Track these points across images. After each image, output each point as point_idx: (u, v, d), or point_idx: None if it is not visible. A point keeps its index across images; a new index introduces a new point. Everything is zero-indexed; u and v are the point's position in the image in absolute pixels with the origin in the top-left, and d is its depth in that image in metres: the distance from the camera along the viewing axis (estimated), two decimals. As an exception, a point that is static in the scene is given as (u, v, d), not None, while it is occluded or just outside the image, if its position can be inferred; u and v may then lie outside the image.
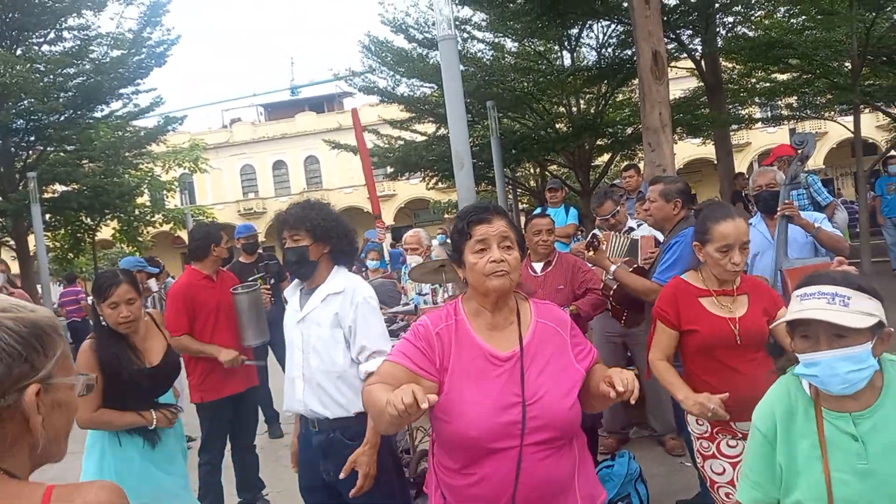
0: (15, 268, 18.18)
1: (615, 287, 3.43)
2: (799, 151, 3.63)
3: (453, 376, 1.72)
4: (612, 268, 3.35)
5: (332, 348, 2.44)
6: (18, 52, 15.48)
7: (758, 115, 16.57)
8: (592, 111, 14.69)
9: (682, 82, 17.26)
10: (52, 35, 16.12)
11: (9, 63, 13.76)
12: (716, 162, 14.17)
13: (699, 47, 12.45)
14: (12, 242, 16.57)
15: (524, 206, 23.49)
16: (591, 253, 3.40)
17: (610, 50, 13.40)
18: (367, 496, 2.36)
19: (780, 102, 15.15)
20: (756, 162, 27.72)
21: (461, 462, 1.72)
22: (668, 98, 6.81)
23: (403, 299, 5.51)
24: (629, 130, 14.87)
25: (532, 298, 1.94)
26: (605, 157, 16.48)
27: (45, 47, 16.25)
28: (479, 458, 1.69)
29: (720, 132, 12.79)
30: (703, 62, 12.24)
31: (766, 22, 12.32)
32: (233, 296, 4.07)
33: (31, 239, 15.84)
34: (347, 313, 2.43)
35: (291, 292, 2.65)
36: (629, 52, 12.74)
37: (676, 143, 14.84)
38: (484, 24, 14.16)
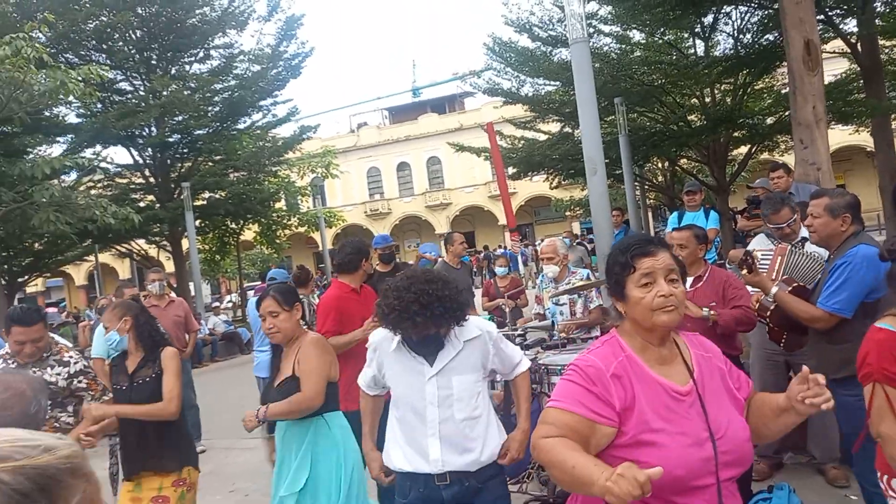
0: (169, 267, 20.00)
1: (772, 308, 3.17)
2: None
3: (642, 415, 1.65)
4: (774, 289, 3.09)
5: (473, 395, 2.43)
6: (173, 71, 16.97)
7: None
8: (729, 102, 13.82)
9: (831, 63, 15.83)
10: (201, 54, 17.58)
11: (164, 85, 15.11)
12: (870, 150, 12.87)
13: (854, 28, 11.34)
14: (169, 246, 18.20)
15: (651, 202, 22.56)
16: (745, 272, 3.16)
17: (749, 36, 12.53)
18: None
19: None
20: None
21: (661, 500, 1.63)
22: (822, 90, 6.23)
23: (536, 308, 5.44)
24: (770, 121, 13.85)
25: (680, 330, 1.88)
26: (743, 149, 15.47)
27: (195, 66, 17.72)
28: (679, 496, 1.64)
29: (879, 120, 11.58)
30: (858, 44, 11.13)
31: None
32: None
33: (184, 242, 17.34)
34: (489, 352, 2.50)
35: (390, 346, 2.49)
36: (771, 38, 11.84)
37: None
38: (610, 17, 13.71)
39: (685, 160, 17.48)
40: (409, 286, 2.35)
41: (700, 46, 14.19)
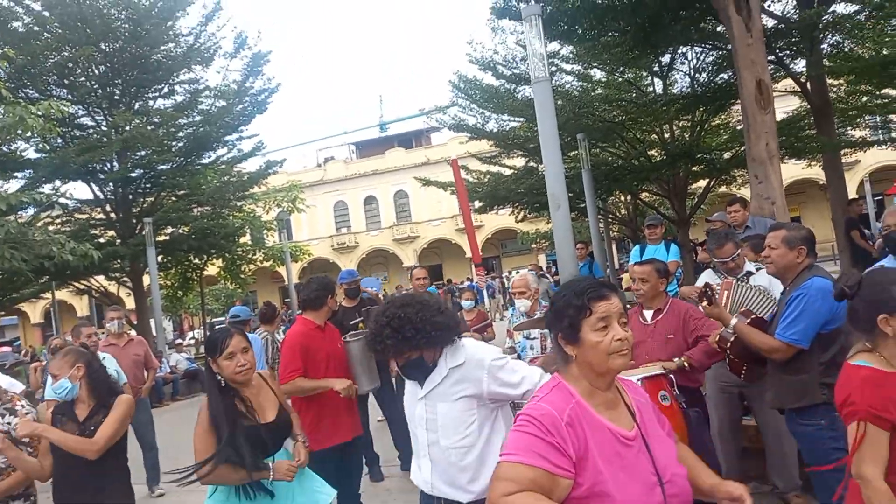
0: (130, 303, 19.54)
1: (732, 339, 3.24)
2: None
3: (595, 464, 1.61)
4: (733, 321, 3.17)
5: (462, 424, 2.35)
6: (136, 106, 16.82)
7: (871, 138, 15.53)
8: (688, 138, 14.26)
9: (784, 101, 16.49)
10: (165, 90, 17.46)
11: (127, 120, 14.95)
12: (823, 183, 13.34)
13: (803, 68, 11.85)
14: (129, 282, 17.79)
15: (615, 234, 22.96)
16: (705, 304, 3.24)
17: (705, 75, 13.00)
18: None
19: (894, 122, 14.14)
20: (867, 181, 25.89)
21: None
22: (774, 127, 6.48)
23: (508, 342, 5.45)
24: (727, 156, 14.31)
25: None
26: (702, 183, 15.91)
27: (160, 101, 17.58)
28: None
29: (830, 156, 12.04)
30: (808, 84, 11.63)
31: (877, 38, 11.56)
32: (346, 344, 4.18)
33: (145, 278, 16.98)
34: (481, 381, 2.35)
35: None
36: (725, 77, 12.30)
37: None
38: (572, 56, 14.10)
39: (647, 194, 17.89)
40: (384, 311, 2.40)
41: (658, 85, 14.65)
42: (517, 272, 12.78)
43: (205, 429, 2.82)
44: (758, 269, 4.29)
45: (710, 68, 12.71)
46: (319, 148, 47.65)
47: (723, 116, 14.81)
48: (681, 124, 14.70)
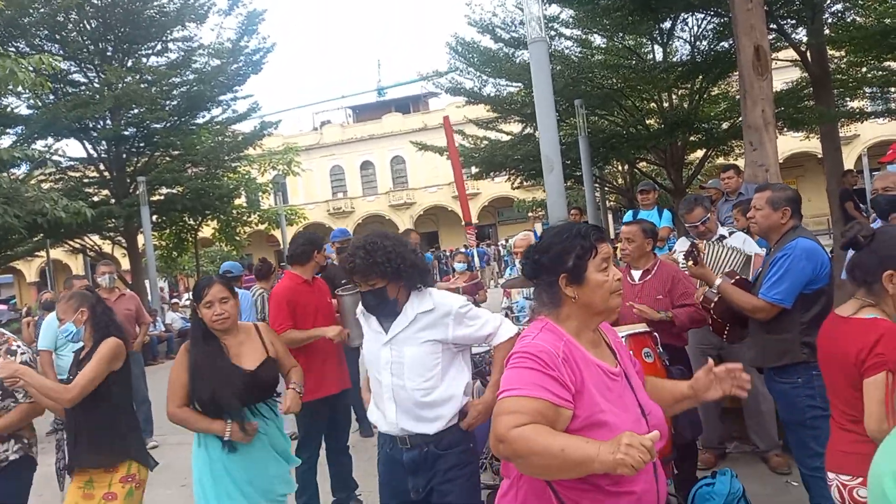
0: (125, 264, 19.54)
1: (716, 300, 3.28)
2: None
3: (591, 396, 1.66)
4: (718, 281, 3.20)
5: (427, 367, 2.44)
6: (129, 63, 16.58)
7: (869, 109, 15.45)
8: (686, 106, 14.15)
9: (784, 73, 16.32)
10: (158, 47, 17.20)
11: (120, 76, 14.75)
12: (821, 156, 13.32)
13: (804, 37, 11.72)
14: (124, 241, 17.77)
15: (612, 204, 22.94)
16: (691, 264, 3.27)
17: (705, 43, 12.85)
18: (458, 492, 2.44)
19: (893, 93, 14.05)
20: (865, 156, 25.80)
21: (612, 479, 1.62)
22: (771, 94, 6.43)
23: (505, 302, 5.54)
24: (725, 126, 14.22)
25: None
26: (699, 153, 15.85)
27: (153, 59, 17.33)
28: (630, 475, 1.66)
29: (827, 127, 12.00)
30: (808, 53, 11.52)
31: (880, 8, 11.42)
32: (339, 297, 4.21)
33: (140, 238, 16.96)
34: (447, 327, 2.45)
35: (364, 311, 2.63)
36: (726, 45, 12.16)
37: (777, 138, 14.10)
38: (571, 20, 13.90)
39: (644, 163, 17.82)
40: (366, 236, 2.52)
41: (659, 52, 14.49)
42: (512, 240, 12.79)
43: (180, 363, 3.00)
44: (730, 233, 4.36)
45: (710, 36, 12.56)
46: (316, 111, 47.15)
47: (722, 86, 14.69)
48: (680, 93, 14.58)
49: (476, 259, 8.05)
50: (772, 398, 3.63)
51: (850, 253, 2.34)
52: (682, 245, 4.81)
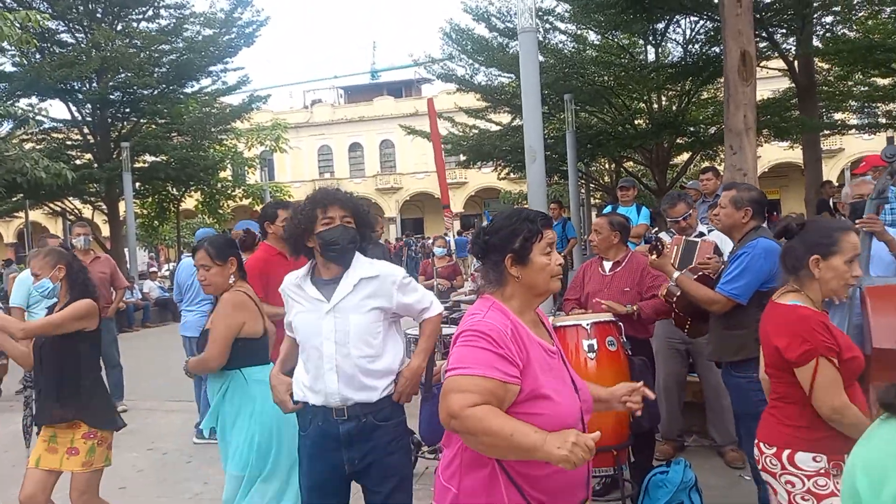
0: (105, 231, 19.35)
1: (678, 294, 3.36)
2: (891, 164, 3.46)
3: (535, 371, 1.75)
4: (675, 274, 3.28)
5: (371, 335, 2.45)
6: (119, 27, 16.36)
7: (853, 122, 15.68)
8: (674, 108, 14.28)
9: (772, 82, 16.52)
10: (150, 13, 16.95)
11: (109, 38, 14.55)
12: (803, 167, 13.53)
13: (793, 47, 11.87)
14: (105, 207, 17.61)
15: (597, 201, 23.11)
16: (654, 257, 3.35)
17: (697, 46, 12.96)
18: (396, 486, 2.46)
19: (878, 108, 14.28)
20: (847, 170, 26.20)
21: None
22: (754, 100, 6.53)
23: (470, 286, 5.57)
24: (712, 130, 14.38)
25: None
26: (685, 156, 16.02)
27: (144, 24, 17.09)
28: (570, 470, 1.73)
29: (810, 137, 12.18)
30: (795, 63, 11.67)
31: (869, 23, 11.58)
32: None
33: (121, 206, 16.81)
34: (392, 295, 2.48)
35: (296, 282, 2.55)
36: (717, 50, 12.29)
37: (762, 146, 14.32)
38: (567, 14, 13.94)
39: (630, 162, 17.96)
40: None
41: (651, 52, 14.59)
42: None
43: None
44: (710, 231, 4.43)
45: (702, 39, 12.67)
46: (307, 90, 46.81)
47: (711, 90, 14.84)
48: (669, 94, 14.71)
49: (453, 246, 8.09)
50: (729, 394, 3.73)
51: None
52: (665, 239, 4.91)
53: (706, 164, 17.67)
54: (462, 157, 17.65)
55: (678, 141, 14.52)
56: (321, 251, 2.48)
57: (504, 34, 14.44)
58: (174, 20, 17.08)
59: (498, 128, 16.43)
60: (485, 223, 2.01)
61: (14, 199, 16.97)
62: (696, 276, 3.34)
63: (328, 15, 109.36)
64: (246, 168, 23.97)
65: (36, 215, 26.96)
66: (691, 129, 14.16)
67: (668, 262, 3.41)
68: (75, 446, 3.17)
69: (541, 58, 13.65)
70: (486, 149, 15.82)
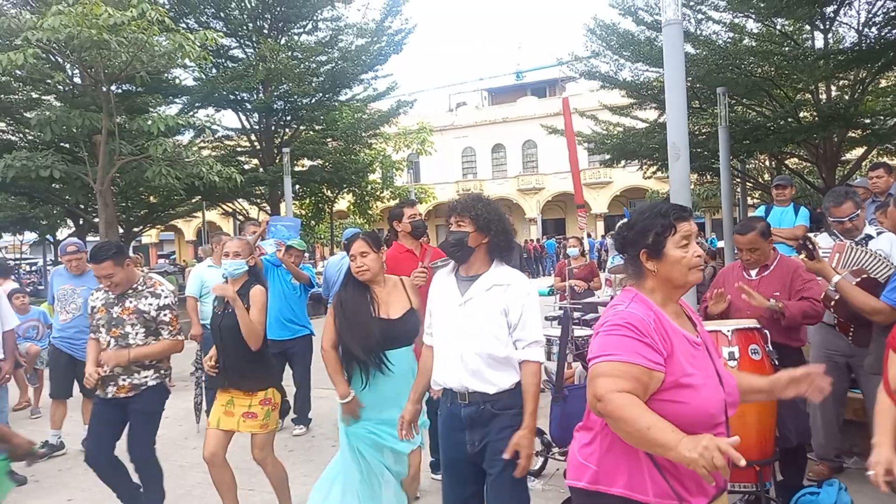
0: (269, 231, 21.04)
1: (836, 298, 3.08)
2: None
3: (679, 360, 1.79)
4: (836, 278, 3.01)
5: (495, 336, 2.58)
6: (283, 41, 17.74)
7: None
8: (846, 98, 12.94)
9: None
10: (309, 26, 18.23)
11: (275, 51, 15.84)
12: None
13: None
14: (268, 209, 19.17)
15: (755, 201, 21.52)
16: (803, 256, 3.10)
17: (874, 30, 11.65)
18: (506, 469, 2.53)
19: None
20: None
21: None
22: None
23: (608, 292, 5.45)
24: (893, 122, 12.88)
25: None
26: (858, 151, 14.48)
27: (304, 37, 18.41)
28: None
29: None
30: None
31: None
32: (434, 268, 4.38)
33: (282, 207, 18.22)
34: (515, 305, 2.59)
35: (444, 276, 2.80)
36: (899, 32, 10.98)
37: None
38: (722, 3, 13.12)
39: (794, 159, 16.55)
40: (474, 194, 2.78)
41: (819, 39, 13.33)
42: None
43: (330, 312, 3.33)
44: (879, 233, 3.98)
45: (881, 21, 11.36)
46: (452, 93, 47.87)
47: (892, 77, 13.28)
48: (840, 84, 13.36)
49: (586, 247, 7.90)
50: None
51: None
52: (823, 242, 4.48)
53: (885, 159, 15.92)
54: (606, 157, 17.19)
55: (850, 134, 13.15)
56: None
57: (651, 27, 13.89)
58: (331, 32, 18.23)
59: (644, 125, 15.83)
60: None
61: (193, 200, 18.94)
62: (857, 281, 3.05)
63: (474, 18, 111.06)
64: (394, 170, 25.03)
65: (211, 215, 29.91)
66: (866, 121, 12.75)
67: (825, 264, 3.15)
68: (253, 411, 3.59)
69: (692, 50, 13.02)
70: (632, 147, 15.30)
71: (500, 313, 2.58)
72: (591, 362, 1.78)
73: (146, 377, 3.78)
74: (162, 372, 3.87)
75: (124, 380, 3.74)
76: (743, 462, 1.49)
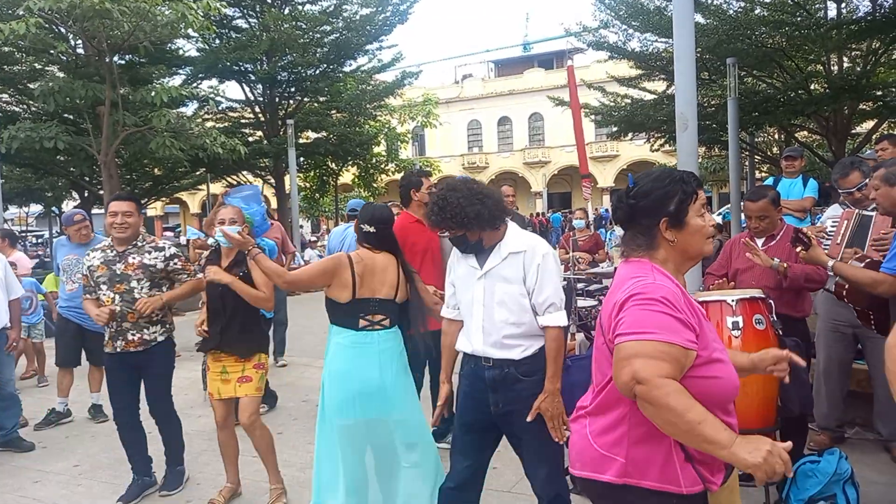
0: (274, 203, 21.05)
1: (847, 287, 3.07)
2: None
3: (705, 335, 1.69)
4: (830, 262, 3.00)
5: (518, 303, 2.61)
6: (286, 10, 17.54)
7: None
8: (858, 70, 12.72)
9: None
10: (313, -5, 17.98)
11: (279, 21, 15.67)
12: None
13: None
14: (272, 181, 19.15)
15: (763, 174, 21.33)
16: (800, 249, 3.09)
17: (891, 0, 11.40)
18: (535, 432, 2.58)
19: None
20: None
21: (727, 415, 1.69)
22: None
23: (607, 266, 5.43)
24: (905, 93, 12.67)
25: None
26: (869, 124, 14.28)
27: (308, 7, 18.19)
28: (727, 410, 1.72)
29: None
30: None
31: None
32: (440, 239, 4.36)
33: (286, 180, 18.20)
34: (531, 270, 2.61)
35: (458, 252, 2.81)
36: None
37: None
38: (734, -28, 12.87)
39: (804, 132, 16.36)
40: (440, 190, 2.71)
41: (832, 9, 13.07)
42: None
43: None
44: None
45: (898, -10, 11.12)
46: (458, 65, 47.38)
47: (906, 47, 13.02)
48: (852, 54, 13.12)
49: (591, 218, 7.87)
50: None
51: None
52: (833, 211, 4.45)
53: (894, 132, 15.71)
54: (613, 129, 17.02)
55: (861, 107, 12.96)
56: None
57: (661, -4, 13.65)
58: (335, 1, 18.01)
59: (652, 97, 15.64)
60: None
61: (198, 173, 18.92)
62: (863, 265, 3.03)
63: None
64: (399, 143, 24.90)
65: (215, 188, 29.86)
66: (878, 93, 12.54)
67: (819, 252, 3.14)
68: (247, 375, 3.66)
69: (702, 19, 12.78)
70: (639, 119, 15.12)
71: (519, 281, 2.61)
72: (625, 338, 1.59)
73: (154, 332, 3.89)
74: (168, 326, 3.99)
75: (133, 334, 3.83)
76: (792, 475, 1.46)
